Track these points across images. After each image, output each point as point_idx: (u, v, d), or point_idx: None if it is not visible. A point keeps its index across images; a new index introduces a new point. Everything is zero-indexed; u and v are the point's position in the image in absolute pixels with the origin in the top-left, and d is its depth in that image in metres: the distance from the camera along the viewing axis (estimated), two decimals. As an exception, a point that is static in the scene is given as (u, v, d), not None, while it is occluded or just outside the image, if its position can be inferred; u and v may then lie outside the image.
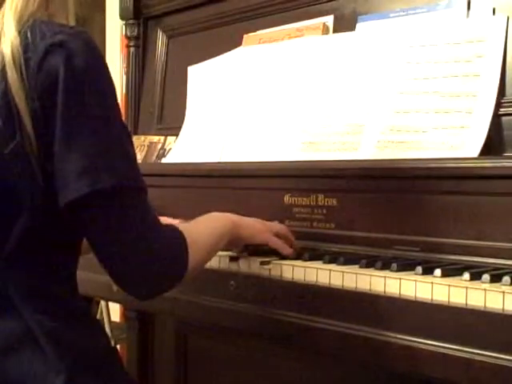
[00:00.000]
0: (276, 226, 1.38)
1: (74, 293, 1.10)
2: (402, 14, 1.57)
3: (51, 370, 1.00)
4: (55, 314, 1.03)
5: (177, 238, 1.08)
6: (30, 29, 1.00)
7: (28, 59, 0.98)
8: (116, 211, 1.00)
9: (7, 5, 1.03)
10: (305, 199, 1.48)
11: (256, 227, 1.32)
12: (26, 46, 0.98)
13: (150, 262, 1.03)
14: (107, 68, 1.04)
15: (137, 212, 1.03)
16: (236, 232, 1.26)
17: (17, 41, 0.98)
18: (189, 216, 1.71)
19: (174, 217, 1.73)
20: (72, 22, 1.12)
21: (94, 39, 1.03)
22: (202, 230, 1.18)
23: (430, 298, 1.08)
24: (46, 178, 0.99)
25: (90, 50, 1.01)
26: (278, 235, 1.35)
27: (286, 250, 1.33)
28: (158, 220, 1.07)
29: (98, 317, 3.12)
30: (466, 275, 1.09)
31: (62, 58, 0.97)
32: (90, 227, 1.01)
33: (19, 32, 0.99)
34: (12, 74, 0.96)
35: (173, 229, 1.09)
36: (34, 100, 0.97)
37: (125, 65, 2.31)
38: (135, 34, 2.17)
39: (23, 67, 0.97)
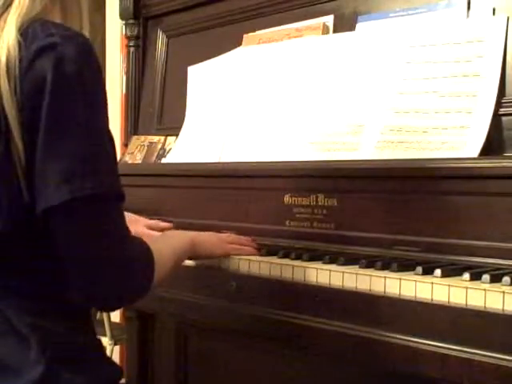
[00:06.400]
0: (228, 236, 1.44)
1: (60, 291, 1.06)
2: (402, 13, 1.57)
3: (31, 360, 0.99)
4: (37, 311, 1.02)
5: (146, 252, 1.08)
6: (25, 30, 0.97)
7: (20, 61, 0.95)
8: (94, 218, 0.99)
9: (12, 9, 1.00)
10: (305, 199, 1.48)
11: (213, 242, 1.37)
12: (19, 48, 0.95)
13: (121, 272, 1.02)
14: (99, 73, 1.00)
15: (113, 220, 1.02)
16: (194, 250, 1.30)
17: (14, 48, 0.95)
18: (189, 216, 1.72)
19: (174, 217, 1.74)
20: (86, 30, 1.09)
21: (90, 43, 1.00)
22: (165, 248, 1.18)
23: (430, 298, 1.08)
24: (30, 186, 0.96)
25: (83, 55, 0.97)
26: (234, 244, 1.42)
27: (247, 250, 1.41)
28: (130, 231, 1.06)
29: (97, 317, 3.12)
30: (466, 275, 1.09)
31: (51, 62, 0.94)
32: (65, 233, 0.98)
33: (18, 36, 0.97)
34: (4, 83, 0.94)
35: (142, 242, 1.09)
36: (23, 105, 0.94)
37: (125, 65, 2.30)
38: (135, 33, 2.18)
39: (16, 72, 0.94)
